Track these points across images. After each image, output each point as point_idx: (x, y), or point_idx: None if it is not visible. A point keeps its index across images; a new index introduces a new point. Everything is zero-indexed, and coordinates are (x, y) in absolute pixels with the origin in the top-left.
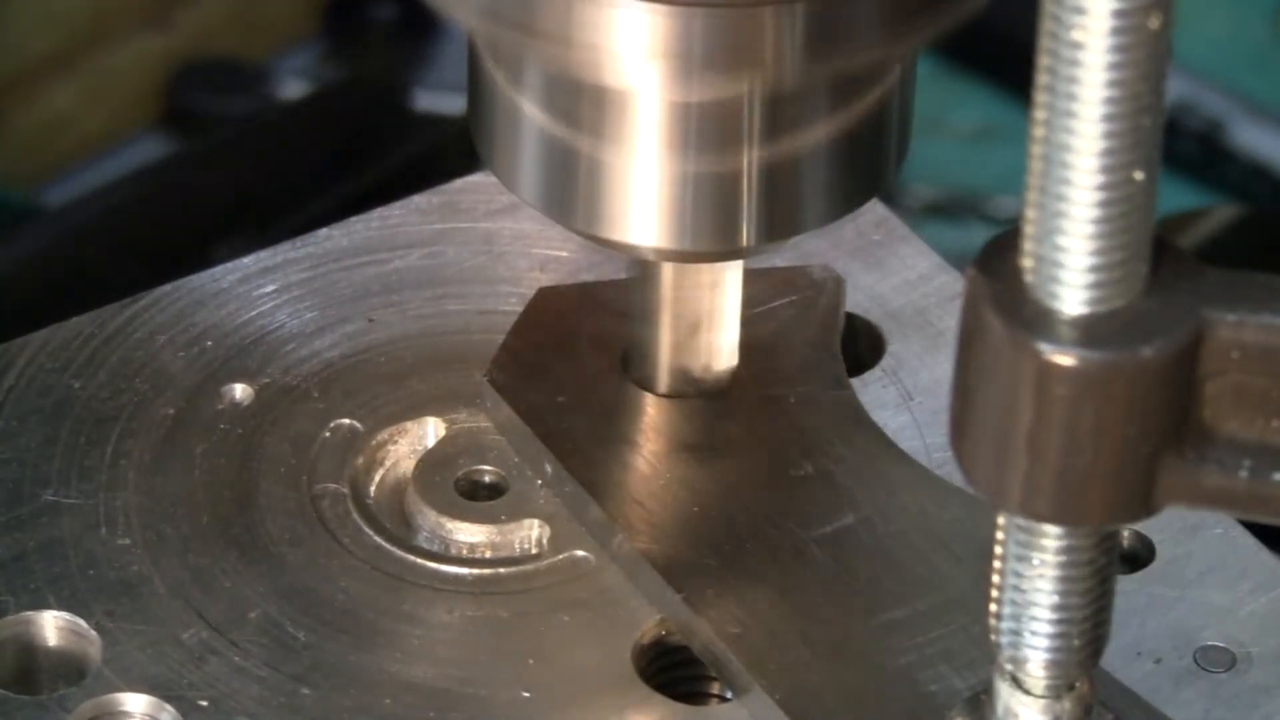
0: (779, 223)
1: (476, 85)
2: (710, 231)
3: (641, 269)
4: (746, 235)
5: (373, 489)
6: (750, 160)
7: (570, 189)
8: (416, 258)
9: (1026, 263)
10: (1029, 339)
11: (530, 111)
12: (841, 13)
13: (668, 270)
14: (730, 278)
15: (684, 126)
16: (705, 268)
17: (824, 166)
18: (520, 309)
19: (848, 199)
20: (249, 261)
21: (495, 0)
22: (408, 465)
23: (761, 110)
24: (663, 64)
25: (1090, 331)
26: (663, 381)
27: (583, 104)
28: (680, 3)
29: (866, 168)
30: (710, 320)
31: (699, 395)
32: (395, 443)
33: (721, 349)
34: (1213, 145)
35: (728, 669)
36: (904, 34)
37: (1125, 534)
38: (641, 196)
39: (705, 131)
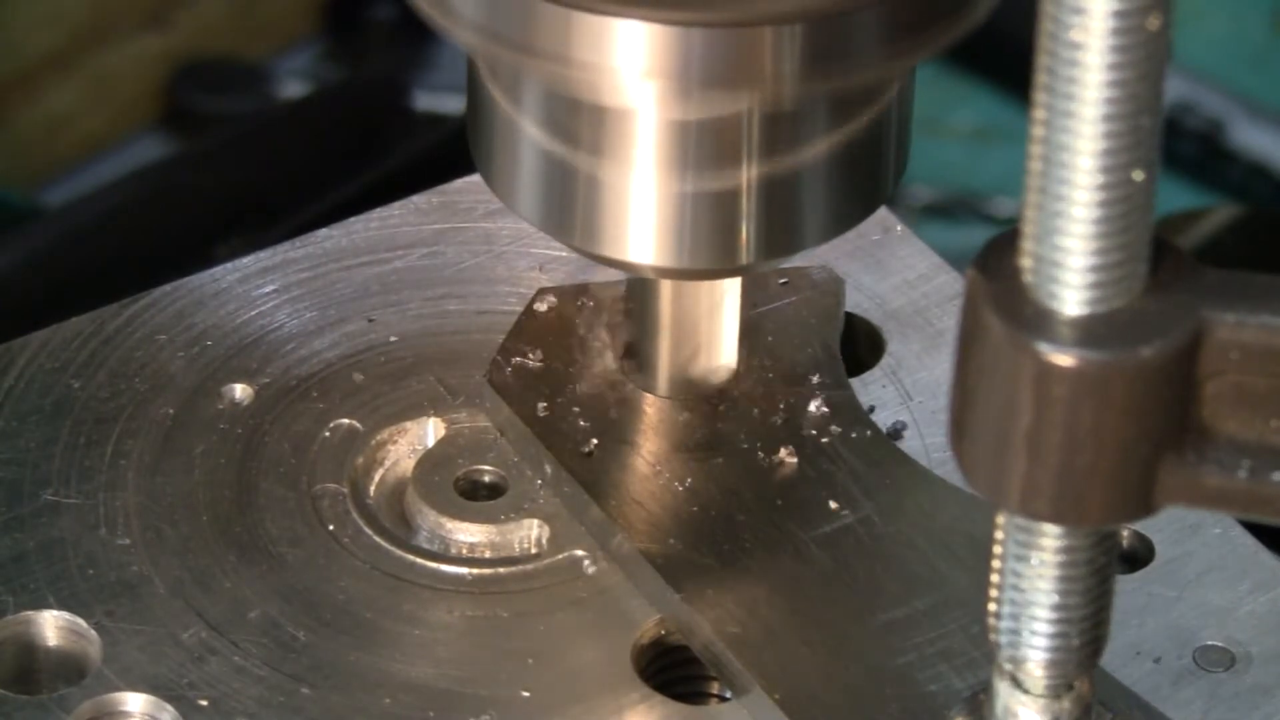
0: (778, 240)
1: (475, 102)
2: (709, 250)
3: (641, 282)
4: (746, 253)
5: (372, 489)
6: (749, 178)
7: (568, 206)
8: (416, 258)
9: (1026, 263)
10: (1028, 339)
11: (528, 129)
12: (840, 32)
13: (667, 283)
14: (730, 287)
15: (682, 145)
16: (704, 282)
17: (823, 184)
18: (520, 309)
19: (847, 215)
20: (249, 261)
21: (493, 19)
22: (407, 465)
23: (760, 128)
24: (661, 82)
25: (1090, 332)
26: (662, 385)
27: (581, 122)
28: (679, 22)
29: (865, 184)
30: (710, 328)
31: (698, 396)
32: (395, 442)
33: (721, 355)
34: (1213, 145)
35: (727, 669)
36: (902, 53)
37: (1125, 533)
38: (640, 215)
39: (704, 150)
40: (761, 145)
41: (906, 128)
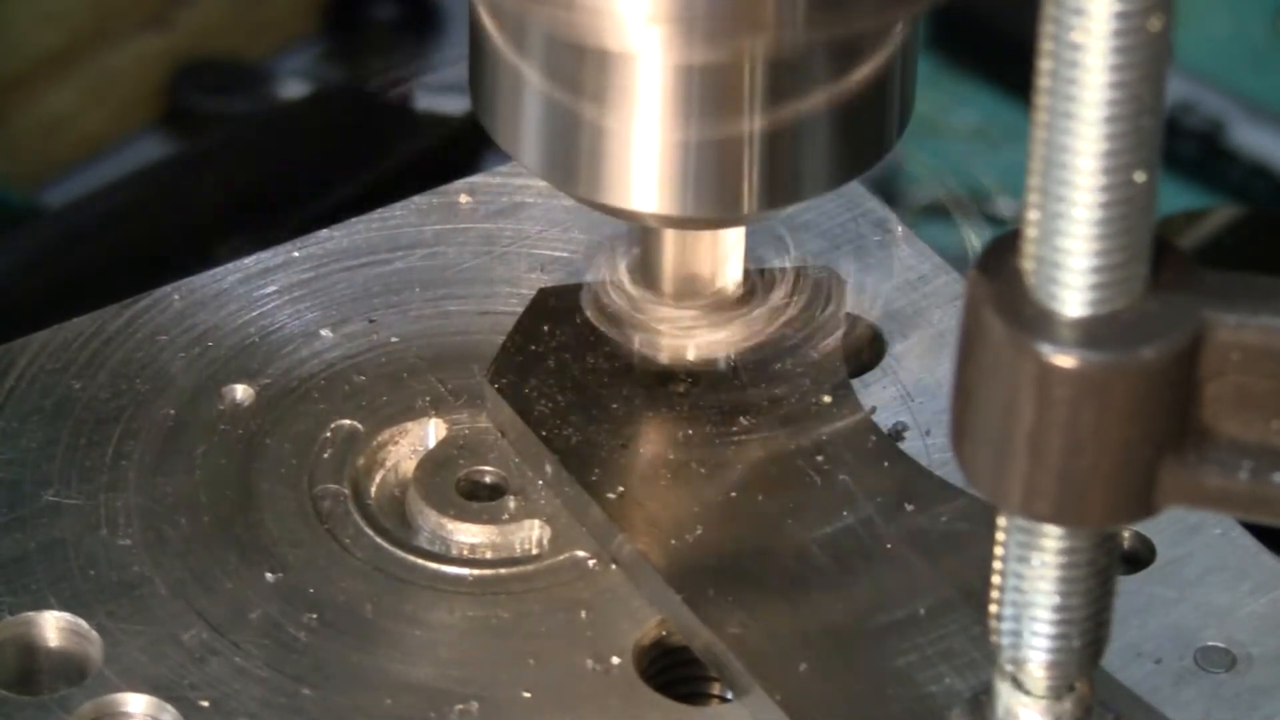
0: (781, 189)
1: (478, 51)
2: (712, 197)
3: (644, 236)
4: (748, 202)
5: (373, 490)
6: (752, 126)
7: (572, 155)
8: (417, 258)
9: (1027, 264)
10: (1030, 340)
11: (532, 77)
12: None
13: (670, 238)
14: (734, 237)
15: (686, 91)
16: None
17: (826, 132)
18: (521, 309)
19: (850, 165)
20: (250, 262)
21: None
22: (408, 466)
23: (763, 75)
24: (665, 27)
25: (1091, 333)
26: (666, 346)
27: (585, 69)
28: None
29: (869, 134)
30: (714, 277)
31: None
32: (396, 443)
33: (727, 289)
34: (1213, 145)
35: (728, 670)
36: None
37: (1125, 534)
38: (643, 162)
39: (707, 96)
40: (765, 93)
41: (911, 78)
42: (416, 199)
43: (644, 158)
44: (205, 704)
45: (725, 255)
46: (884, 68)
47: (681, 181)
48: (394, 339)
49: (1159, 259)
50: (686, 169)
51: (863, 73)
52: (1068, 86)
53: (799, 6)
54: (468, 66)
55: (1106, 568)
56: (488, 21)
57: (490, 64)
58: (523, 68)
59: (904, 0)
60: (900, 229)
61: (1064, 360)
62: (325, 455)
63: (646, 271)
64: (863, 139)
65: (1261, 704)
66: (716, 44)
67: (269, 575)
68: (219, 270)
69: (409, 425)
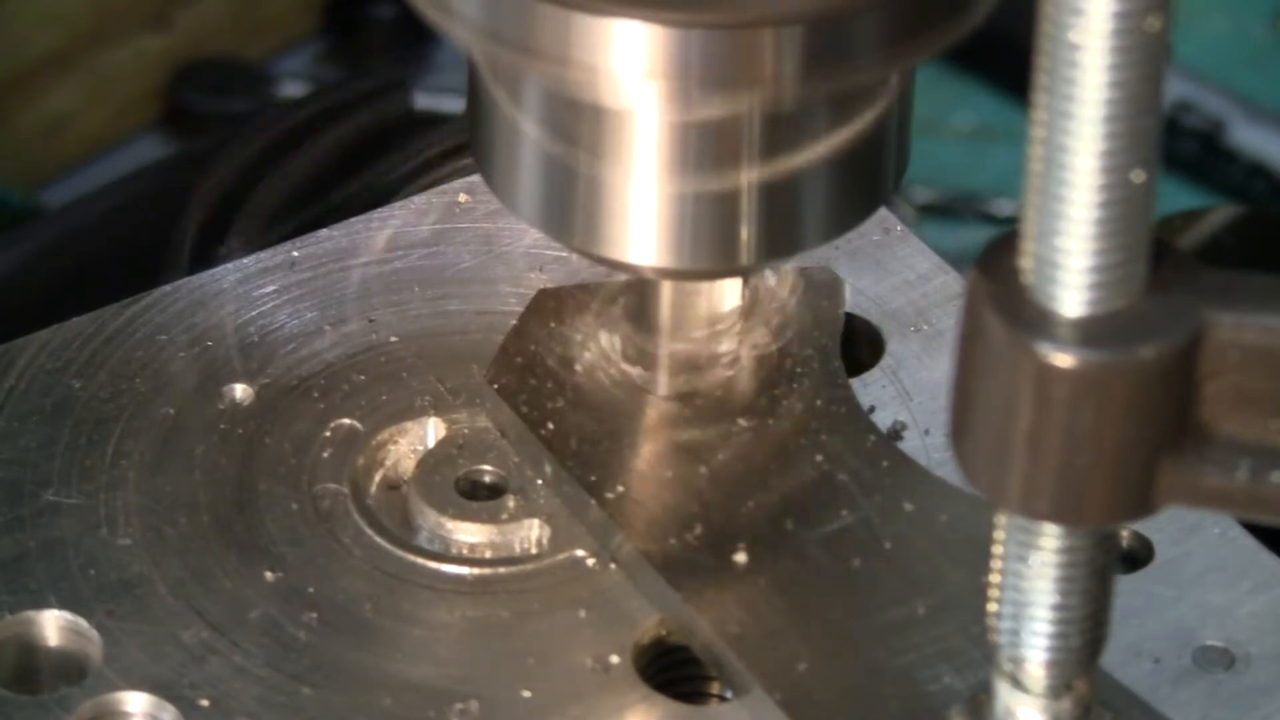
0: (779, 241)
1: (476, 104)
2: (710, 251)
3: (640, 284)
4: (746, 254)
5: (373, 489)
6: (749, 179)
7: (569, 208)
8: (416, 258)
9: (1026, 264)
10: (1028, 340)
11: (529, 130)
12: (840, 33)
13: (667, 284)
14: (730, 287)
15: (682, 146)
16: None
17: (823, 184)
18: (520, 309)
19: (848, 216)
20: (249, 262)
21: (494, 19)
22: (408, 465)
23: (760, 129)
24: (661, 84)
25: (1089, 332)
26: (662, 385)
27: (581, 123)
28: (678, 23)
29: (866, 184)
30: (710, 328)
31: (699, 397)
32: (395, 443)
33: (720, 354)
34: (1213, 145)
35: (727, 669)
36: (902, 54)
37: (1124, 533)
38: (640, 216)
39: (704, 151)
40: (762, 146)
41: (906, 128)
42: (416, 199)
43: (641, 211)
44: (205, 703)
45: (722, 301)
46: (881, 118)
47: (679, 234)
48: (393, 338)
49: (1158, 258)
50: (684, 222)
51: (860, 124)
52: (1066, 86)
53: (795, 62)
54: (467, 119)
55: (1105, 567)
56: (485, 75)
57: (487, 117)
58: (519, 122)
59: (900, 55)
60: (900, 228)
61: (1062, 360)
62: (325, 455)
63: (643, 318)
64: (860, 189)
65: (1260, 703)
66: (713, 99)
67: (268, 574)
68: (219, 270)
69: (408, 424)
